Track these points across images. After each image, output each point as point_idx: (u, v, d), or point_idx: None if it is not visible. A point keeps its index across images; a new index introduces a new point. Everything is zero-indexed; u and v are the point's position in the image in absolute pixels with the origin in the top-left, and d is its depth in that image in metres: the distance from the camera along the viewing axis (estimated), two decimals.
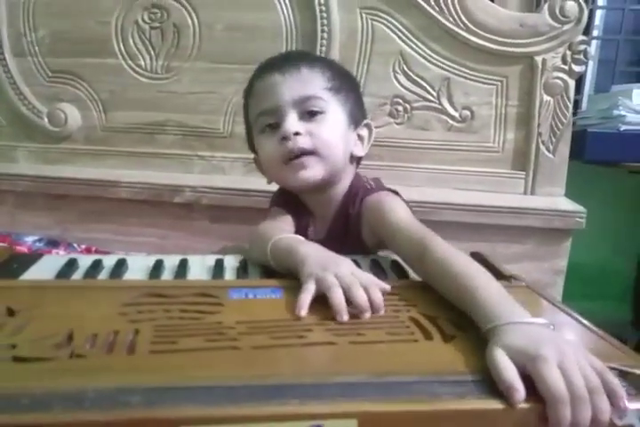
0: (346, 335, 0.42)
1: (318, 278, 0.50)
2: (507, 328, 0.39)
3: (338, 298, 0.47)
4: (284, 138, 0.67)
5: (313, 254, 0.55)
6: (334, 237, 0.73)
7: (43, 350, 0.38)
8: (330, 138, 0.69)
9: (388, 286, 0.51)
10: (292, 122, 0.68)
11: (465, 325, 0.46)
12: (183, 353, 0.39)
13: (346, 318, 0.45)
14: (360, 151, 0.75)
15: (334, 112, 0.70)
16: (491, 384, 0.36)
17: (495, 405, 0.34)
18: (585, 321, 0.49)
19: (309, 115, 0.68)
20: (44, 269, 0.57)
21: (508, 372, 0.35)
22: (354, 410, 0.32)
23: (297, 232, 0.74)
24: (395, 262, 0.64)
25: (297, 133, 0.67)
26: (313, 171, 0.68)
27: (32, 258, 0.61)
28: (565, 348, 0.36)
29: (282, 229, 0.67)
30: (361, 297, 0.47)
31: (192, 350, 0.39)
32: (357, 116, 0.75)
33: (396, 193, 0.73)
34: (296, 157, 0.67)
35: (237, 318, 0.45)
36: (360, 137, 0.75)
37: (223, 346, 0.40)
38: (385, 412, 0.32)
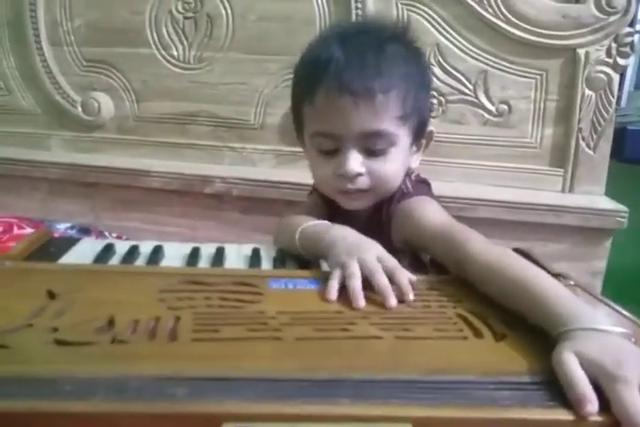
0: (391, 330, 0.41)
1: (343, 265, 0.50)
2: (582, 334, 0.37)
3: (354, 287, 0.47)
4: (343, 175, 0.63)
5: (340, 239, 0.55)
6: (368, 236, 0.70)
7: (84, 334, 0.37)
8: (390, 175, 0.64)
9: (413, 277, 0.50)
10: (355, 162, 0.61)
11: (515, 323, 0.43)
12: (225, 342, 0.37)
13: (361, 304, 0.45)
14: (416, 163, 0.70)
15: (402, 142, 0.63)
16: (551, 389, 0.33)
17: (563, 415, 0.31)
18: None
19: (373, 151, 0.62)
20: (81, 254, 0.57)
21: (581, 381, 0.33)
22: (408, 414, 0.30)
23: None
24: (434, 260, 0.62)
25: (358, 174, 0.62)
26: (363, 202, 0.67)
27: (69, 242, 0.61)
28: None
29: (312, 218, 0.66)
30: (382, 283, 0.47)
31: (234, 340, 0.38)
32: (424, 127, 0.68)
33: (433, 197, 0.69)
34: (350, 191, 0.65)
35: (278, 308, 0.44)
36: (419, 146, 0.70)
37: (266, 336, 0.39)
38: (442, 418, 0.30)
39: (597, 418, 0.31)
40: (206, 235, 1.31)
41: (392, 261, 0.51)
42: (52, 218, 1.37)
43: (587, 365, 0.34)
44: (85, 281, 0.48)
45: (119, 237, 1.31)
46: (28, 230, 1.25)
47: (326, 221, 0.63)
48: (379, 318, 0.43)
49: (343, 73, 0.59)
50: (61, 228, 1.32)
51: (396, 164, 0.64)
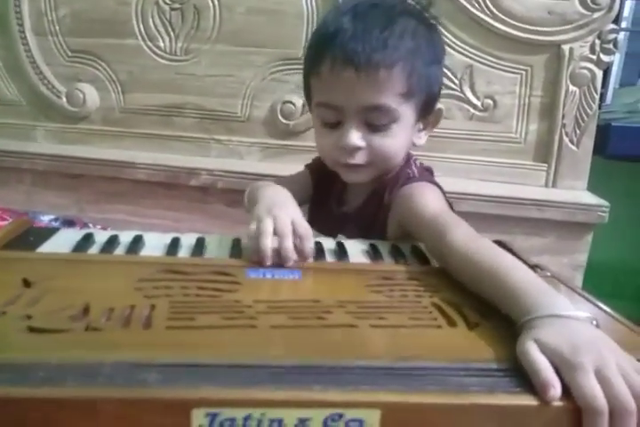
0: (367, 318, 0.41)
1: (259, 219, 0.53)
2: (543, 321, 0.37)
3: (263, 244, 0.51)
4: (343, 148, 0.63)
5: (266, 197, 0.59)
6: (361, 215, 0.71)
7: (58, 321, 0.37)
8: (391, 151, 0.65)
9: (311, 248, 0.53)
10: (355, 135, 0.62)
11: (489, 313, 0.44)
12: (200, 330, 0.38)
13: (268, 263, 0.50)
14: (421, 140, 0.70)
15: (404, 117, 0.63)
16: (519, 376, 0.34)
17: (528, 401, 0.32)
18: (614, 313, 0.47)
19: (375, 125, 0.62)
20: (60, 243, 0.56)
21: (543, 367, 0.33)
22: (378, 400, 0.30)
23: (321, 199, 0.77)
24: (415, 248, 0.62)
25: (357, 148, 0.63)
26: (363, 175, 0.67)
27: (49, 231, 0.60)
28: (605, 353, 0.34)
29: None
30: (287, 247, 0.51)
31: (209, 328, 0.38)
32: (431, 105, 0.67)
33: (437, 184, 0.69)
34: (349, 165, 0.66)
35: (255, 297, 0.44)
36: (425, 123, 0.69)
37: (241, 324, 0.39)
38: (410, 403, 0.31)
39: (560, 403, 0.32)
40: (192, 227, 1.30)
41: (304, 227, 0.54)
42: (36, 210, 1.36)
43: (547, 352, 0.34)
44: (62, 270, 0.48)
45: (104, 230, 1.30)
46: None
47: (272, 183, 0.68)
48: (355, 307, 0.43)
49: (348, 45, 0.59)
50: (45, 220, 1.31)
51: (397, 140, 0.64)
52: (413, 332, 0.40)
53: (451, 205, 0.67)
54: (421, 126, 0.69)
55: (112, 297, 0.42)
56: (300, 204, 0.75)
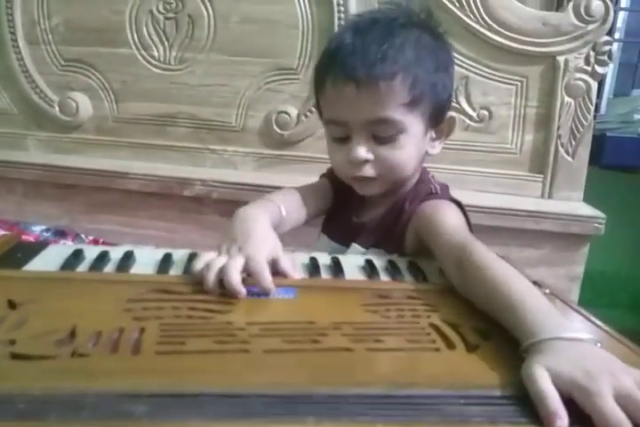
0: (363, 341, 0.40)
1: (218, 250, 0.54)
2: (550, 345, 0.36)
3: (206, 277, 0.48)
4: (351, 162, 0.64)
5: (240, 224, 0.58)
6: (380, 226, 0.70)
7: (43, 347, 0.36)
8: (400, 163, 0.64)
9: (269, 285, 0.49)
10: (361, 149, 0.62)
11: (489, 334, 0.43)
12: (191, 355, 0.36)
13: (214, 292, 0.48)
14: (435, 150, 0.69)
15: (411, 128, 0.63)
16: (522, 404, 0.33)
17: None
18: (615, 333, 0.46)
19: (381, 138, 0.63)
20: (48, 260, 0.55)
21: (551, 396, 0.32)
22: None
23: (338, 209, 0.76)
24: (412, 264, 0.61)
25: (365, 161, 0.63)
26: (372, 189, 0.68)
27: (37, 247, 0.59)
28: (620, 374, 0.33)
29: (289, 194, 0.70)
30: (209, 281, 0.48)
31: (200, 352, 0.37)
32: (441, 113, 0.66)
33: (459, 204, 0.69)
34: (359, 178, 0.66)
35: (248, 318, 0.43)
36: (438, 133, 0.69)
37: (233, 349, 0.38)
38: None
39: None
40: (186, 238, 1.29)
41: (255, 262, 0.50)
42: (27, 220, 1.34)
43: (559, 380, 0.33)
44: (49, 290, 0.46)
45: (96, 241, 1.28)
46: (2, 233, 1.22)
47: (270, 200, 0.68)
48: (351, 329, 0.42)
49: (348, 61, 0.60)
50: (37, 230, 1.29)
51: (405, 151, 0.64)
52: (411, 356, 0.39)
53: (469, 225, 0.66)
54: (434, 135, 0.69)
55: (100, 319, 0.41)
56: (320, 214, 0.76)
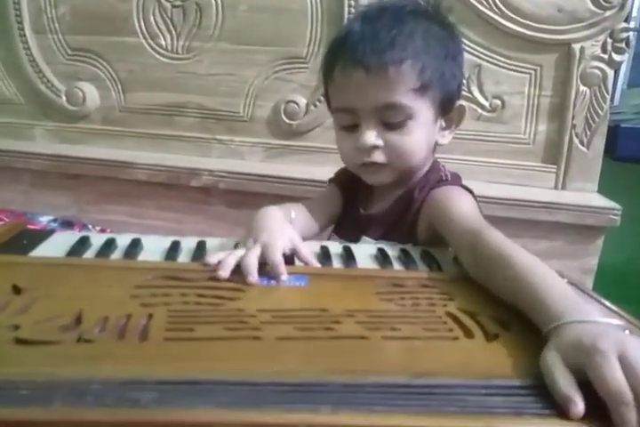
0: (378, 329, 0.39)
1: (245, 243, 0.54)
2: (570, 328, 0.34)
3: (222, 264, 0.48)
4: (360, 148, 0.64)
5: (257, 221, 0.58)
6: (389, 217, 0.69)
7: (48, 332, 0.35)
8: (409, 149, 0.64)
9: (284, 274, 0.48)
10: (370, 134, 0.62)
11: (508, 322, 0.41)
12: (200, 342, 0.35)
13: (222, 273, 0.47)
14: (445, 139, 0.68)
15: (420, 114, 0.62)
16: (544, 393, 0.31)
17: (560, 426, 0.29)
18: (634, 320, 0.44)
19: (391, 124, 0.62)
20: (54, 247, 0.54)
21: (563, 381, 0.30)
22: (393, 423, 0.28)
23: (348, 205, 0.76)
24: (425, 252, 0.60)
25: (374, 147, 0.63)
26: (382, 177, 0.67)
27: (43, 234, 0.58)
28: (627, 340, 0.31)
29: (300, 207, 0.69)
30: (227, 265, 0.48)
31: (210, 339, 0.35)
32: (450, 101, 0.65)
33: (470, 191, 0.68)
34: (368, 165, 0.65)
35: (259, 305, 0.41)
36: (448, 122, 0.68)
37: (244, 336, 0.36)
38: None
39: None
40: (193, 229, 1.28)
41: (273, 252, 0.50)
42: (34, 210, 1.33)
43: (567, 356, 0.32)
44: (55, 276, 0.45)
45: (103, 231, 1.27)
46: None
47: (287, 205, 0.66)
48: (365, 317, 0.41)
49: (357, 47, 0.61)
50: (44, 220, 1.28)
51: (414, 137, 0.63)
52: (428, 344, 0.37)
53: (481, 212, 0.64)
54: (443, 124, 0.68)
55: (107, 305, 0.39)
56: (330, 223, 0.76)
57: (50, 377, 0.29)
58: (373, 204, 0.73)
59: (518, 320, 0.42)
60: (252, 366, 0.33)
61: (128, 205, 1.33)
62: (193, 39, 1.33)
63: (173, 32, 1.35)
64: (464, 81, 1.20)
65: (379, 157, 0.64)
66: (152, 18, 1.35)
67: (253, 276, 0.47)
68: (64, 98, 1.41)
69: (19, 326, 0.35)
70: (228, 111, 1.33)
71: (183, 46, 1.34)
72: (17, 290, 0.41)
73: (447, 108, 0.66)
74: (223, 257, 0.49)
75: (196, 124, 1.36)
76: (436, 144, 0.68)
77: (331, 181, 0.80)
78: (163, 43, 1.35)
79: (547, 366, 0.32)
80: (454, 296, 0.46)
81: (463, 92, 1.21)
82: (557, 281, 0.41)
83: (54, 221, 1.29)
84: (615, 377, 0.29)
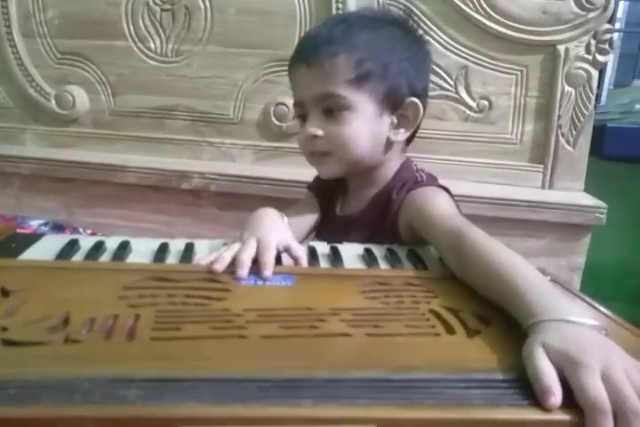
0: (362, 327, 0.39)
1: (242, 239, 0.55)
2: (551, 326, 0.36)
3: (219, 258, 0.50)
4: (304, 137, 0.68)
5: (255, 218, 0.61)
6: (366, 218, 0.70)
7: (36, 333, 0.35)
8: (347, 139, 0.66)
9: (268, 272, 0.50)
10: (311, 123, 0.67)
11: (489, 319, 0.42)
12: (186, 341, 0.36)
13: (240, 273, 0.49)
14: (399, 136, 0.69)
15: (359, 105, 0.65)
16: (525, 387, 0.32)
17: (536, 415, 0.30)
18: (617, 318, 0.45)
19: (330, 112, 0.66)
20: (43, 250, 0.54)
21: (546, 373, 0.32)
22: (374, 415, 0.28)
23: (326, 209, 0.78)
24: (411, 252, 0.61)
25: (315, 136, 0.66)
26: (328, 168, 0.70)
27: (32, 238, 0.58)
28: (613, 356, 0.32)
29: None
30: (223, 259, 0.50)
31: (196, 338, 0.36)
32: (397, 96, 0.67)
33: (447, 190, 0.69)
34: (314, 153, 0.69)
35: (245, 305, 0.42)
36: (401, 119, 0.69)
37: (230, 334, 0.37)
38: (409, 419, 0.29)
39: (566, 417, 0.30)
40: (184, 231, 1.28)
41: (265, 242, 0.53)
42: (24, 214, 1.33)
43: (552, 355, 0.33)
44: (43, 278, 0.46)
45: (94, 235, 1.27)
46: None
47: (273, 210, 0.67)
48: (350, 315, 0.42)
49: (303, 46, 0.67)
50: (34, 224, 1.28)
51: (352, 127, 0.66)
52: (410, 341, 0.38)
53: (459, 209, 0.66)
54: (395, 121, 0.69)
55: (94, 307, 0.40)
56: (311, 231, 0.78)
57: (38, 377, 0.30)
58: (349, 205, 0.75)
59: (499, 317, 0.43)
60: (236, 364, 0.33)
61: (119, 208, 1.33)
62: (182, 42, 1.34)
63: (162, 35, 1.35)
64: (452, 82, 1.22)
65: (319, 145, 0.67)
66: (141, 21, 1.35)
67: (243, 271, 0.49)
68: (53, 102, 1.41)
69: (6, 327, 0.36)
70: (218, 114, 1.34)
71: (172, 49, 1.35)
72: (5, 293, 0.42)
73: (395, 104, 0.67)
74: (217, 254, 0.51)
75: (187, 127, 1.36)
76: (390, 141, 0.69)
77: (307, 187, 0.82)
78: (152, 46, 1.35)
79: (531, 356, 0.33)
80: (438, 294, 0.47)
81: (450, 93, 1.23)
82: (539, 278, 0.42)
83: (45, 224, 1.29)
84: (597, 387, 0.30)
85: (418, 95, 0.68)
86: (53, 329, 0.36)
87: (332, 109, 0.65)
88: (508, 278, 0.42)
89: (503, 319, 0.42)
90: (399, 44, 0.68)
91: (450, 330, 0.40)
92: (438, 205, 0.62)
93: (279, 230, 0.57)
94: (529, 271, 0.43)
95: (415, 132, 0.72)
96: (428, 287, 0.49)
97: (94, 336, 0.35)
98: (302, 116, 0.69)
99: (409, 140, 0.74)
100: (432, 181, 0.71)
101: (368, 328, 0.39)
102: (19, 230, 1.22)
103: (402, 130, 0.69)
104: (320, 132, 0.66)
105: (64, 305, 0.40)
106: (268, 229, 0.57)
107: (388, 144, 0.69)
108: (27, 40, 1.40)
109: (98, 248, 0.55)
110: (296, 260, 0.54)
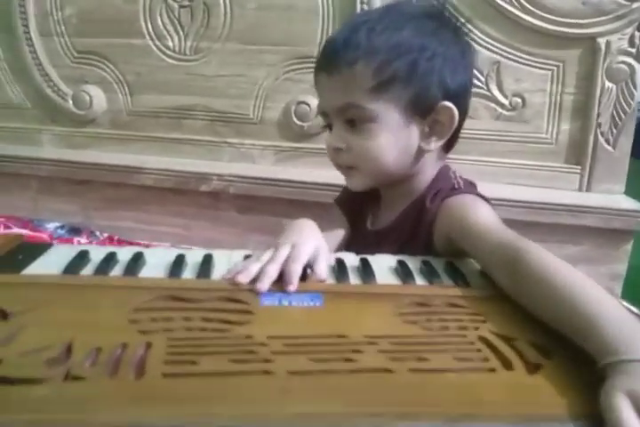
0: (404, 360, 0.34)
1: (276, 247, 0.50)
2: (636, 367, 0.30)
3: (266, 269, 0.47)
4: (327, 150, 0.64)
5: (292, 225, 0.57)
6: (399, 230, 0.65)
7: (33, 367, 0.31)
8: (373, 155, 0.61)
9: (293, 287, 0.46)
10: (334, 135, 0.62)
11: (550, 349, 0.37)
12: (203, 378, 0.31)
13: (260, 286, 0.45)
14: (431, 145, 0.62)
15: (383, 116, 0.59)
16: None
17: None
18: None
19: (353, 123, 0.61)
20: (51, 262, 0.50)
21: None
22: None
23: (356, 223, 0.74)
24: (450, 264, 0.55)
25: (338, 149, 0.62)
26: (356, 181, 0.65)
27: (40, 248, 0.54)
28: None
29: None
30: (249, 270, 0.47)
31: (214, 375, 0.31)
32: (427, 100, 0.59)
33: (486, 200, 0.63)
34: (340, 166, 0.65)
35: (270, 331, 0.37)
36: (434, 124, 0.61)
37: (253, 370, 0.32)
38: None
39: None
40: (202, 235, 1.24)
41: (298, 250, 0.49)
42: (41, 217, 1.31)
43: (636, 401, 0.27)
44: (47, 297, 0.41)
45: (111, 238, 1.25)
46: (16, 230, 1.19)
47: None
48: (388, 344, 0.36)
49: (323, 52, 0.62)
50: (51, 227, 1.26)
51: (378, 142, 0.60)
52: (462, 378, 0.33)
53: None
54: (426, 128, 0.61)
55: (101, 333, 0.35)
56: (342, 245, 0.73)
57: (29, 426, 0.25)
58: (381, 218, 0.69)
59: (560, 346, 0.37)
60: (262, 409, 0.28)
61: (136, 211, 1.30)
62: (201, 40, 1.30)
63: (181, 33, 1.31)
64: (483, 79, 1.15)
65: (343, 159, 0.63)
66: (159, 19, 1.31)
67: (263, 284, 0.45)
68: (70, 102, 1.38)
69: (1, 359, 0.31)
70: (237, 113, 1.30)
71: (191, 47, 1.31)
72: (4, 315, 0.37)
73: (425, 109, 0.60)
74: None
75: (205, 127, 1.32)
76: (422, 150, 0.62)
77: (334, 200, 0.77)
78: (170, 44, 1.32)
79: (613, 407, 0.28)
80: (486, 317, 0.42)
81: (482, 91, 1.17)
82: (617, 306, 0.36)
83: (62, 227, 1.26)
84: None
85: (453, 96, 0.61)
86: (53, 362, 0.32)
87: (355, 121, 0.60)
88: (578, 304, 0.37)
89: (565, 350, 0.37)
90: (430, 38, 0.60)
91: (506, 364, 0.35)
92: (481, 214, 0.57)
93: (315, 239, 0.53)
94: (605, 297, 0.37)
95: (455, 136, 0.64)
96: (473, 309, 0.43)
97: (99, 372, 0.31)
98: (329, 126, 0.65)
99: (449, 147, 0.66)
100: (470, 188, 0.65)
101: (412, 362, 0.34)
102: (35, 233, 1.20)
103: (434, 138, 0.62)
104: (343, 145, 0.62)
105: (68, 330, 0.35)
106: (305, 237, 0.52)
107: (420, 153, 0.63)
108: (44, 39, 1.38)
109: (109, 260, 0.51)
110: (314, 271, 0.49)
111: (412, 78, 0.58)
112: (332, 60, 0.60)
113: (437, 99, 0.60)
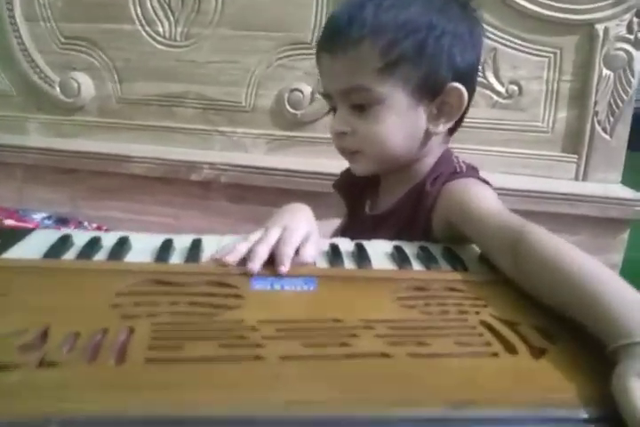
0: (403, 344, 0.32)
1: (266, 229, 0.49)
2: None
3: (256, 249, 0.45)
4: (331, 134, 0.62)
5: (284, 208, 0.55)
6: (397, 215, 0.63)
7: (6, 352, 0.29)
8: (379, 137, 0.58)
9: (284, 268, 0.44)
10: (339, 119, 0.60)
11: (555, 334, 0.35)
12: (189, 364, 0.29)
13: (251, 266, 0.43)
14: (440, 127, 0.59)
15: (390, 98, 0.56)
16: (616, 425, 0.25)
17: None
18: None
19: (359, 107, 0.58)
20: (32, 247, 0.48)
21: None
22: None
23: (354, 208, 0.72)
24: (447, 250, 0.53)
25: (342, 133, 0.60)
26: (361, 166, 0.63)
27: (21, 233, 0.52)
28: None
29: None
30: (237, 251, 0.45)
31: (202, 360, 0.29)
32: (436, 81, 0.57)
33: (488, 183, 0.61)
34: (344, 150, 0.63)
35: (261, 315, 0.35)
36: (443, 106, 0.58)
37: (243, 355, 0.30)
38: None
39: None
40: (192, 225, 1.22)
41: (290, 231, 0.47)
42: (28, 207, 1.28)
43: None
44: (25, 281, 0.39)
45: (99, 228, 1.22)
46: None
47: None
48: (386, 328, 0.35)
49: (325, 31, 0.59)
50: (37, 218, 1.23)
51: (385, 125, 0.58)
52: (464, 363, 0.31)
53: None
54: (435, 110, 0.59)
55: (81, 317, 0.33)
56: (338, 229, 0.71)
57: None
58: (380, 203, 0.68)
59: (565, 330, 0.35)
60: (250, 396, 0.26)
61: (125, 200, 1.27)
62: (192, 25, 1.27)
63: (171, 18, 1.28)
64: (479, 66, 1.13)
65: (348, 143, 0.61)
66: (149, 4, 1.28)
67: (255, 264, 0.43)
68: (58, 89, 1.34)
69: None
70: (229, 101, 1.27)
71: (182, 33, 1.28)
72: None
73: (434, 90, 0.57)
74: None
75: (197, 115, 1.29)
76: (429, 133, 0.60)
77: (333, 185, 0.75)
78: (160, 30, 1.29)
79: (626, 391, 0.26)
80: (487, 302, 0.40)
81: (478, 78, 1.15)
82: (624, 286, 0.35)
83: (48, 218, 1.24)
84: None
85: (462, 76, 0.58)
86: (27, 347, 0.30)
87: (361, 104, 0.58)
88: (586, 285, 0.35)
89: (570, 333, 0.35)
90: (438, 16, 0.57)
91: (510, 348, 0.33)
92: (482, 197, 0.55)
93: (310, 224, 0.51)
94: (614, 278, 0.36)
95: (461, 120, 0.62)
96: (474, 293, 0.42)
97: (76, 357, 0.29)
98: (333, 109, 0.62)
99: (452, 130, 0.64)
100: (472, 172, 0.63)
101: (411, 346, 0.32)
102: (20, 224, 1.17)
103: (442, 119, 0.59)
104: (348, 129, 0.59)
105: (45, 315, 0.33)
106: (298, 220, 0.50)
107: (427, 136, 0.61)
108: (30, 24, 1.34)
109: (93, 245, 0.48)
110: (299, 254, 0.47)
111: (421, 59, 0.56)
112: (335, 39, 0.56)
113: (447, 80, 0.57)
